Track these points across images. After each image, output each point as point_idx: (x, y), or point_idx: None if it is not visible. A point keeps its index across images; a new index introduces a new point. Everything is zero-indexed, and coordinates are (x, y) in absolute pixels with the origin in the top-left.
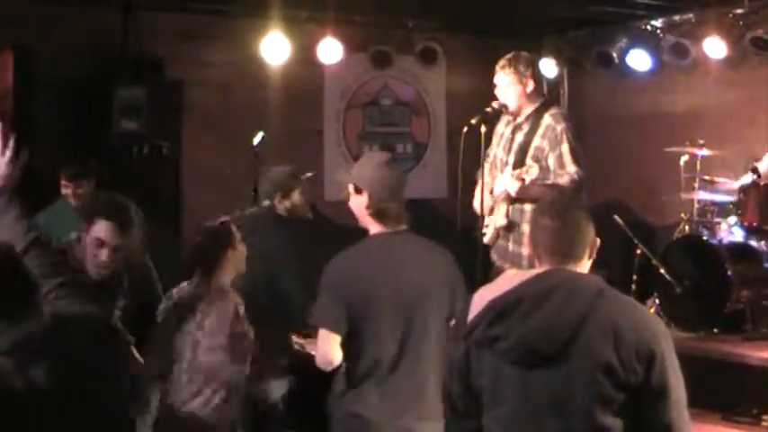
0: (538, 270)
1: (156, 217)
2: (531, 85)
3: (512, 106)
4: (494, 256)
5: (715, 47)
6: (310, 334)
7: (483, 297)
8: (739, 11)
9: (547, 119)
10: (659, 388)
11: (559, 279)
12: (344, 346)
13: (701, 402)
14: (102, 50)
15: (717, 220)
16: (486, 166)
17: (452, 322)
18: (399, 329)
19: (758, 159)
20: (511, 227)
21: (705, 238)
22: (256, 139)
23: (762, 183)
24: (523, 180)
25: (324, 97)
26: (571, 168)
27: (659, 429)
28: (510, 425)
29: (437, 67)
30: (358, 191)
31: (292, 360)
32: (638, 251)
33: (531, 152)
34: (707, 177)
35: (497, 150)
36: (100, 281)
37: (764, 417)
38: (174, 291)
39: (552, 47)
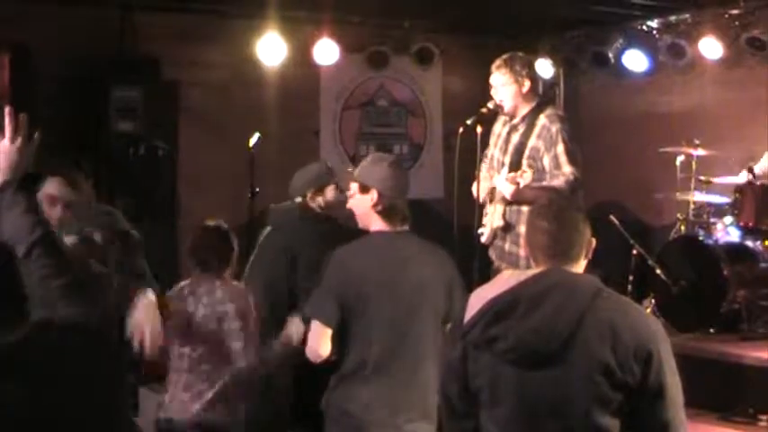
0: (535, 271)
1: (152, 217)
2: (526, 85)
3: (508, 106)
4: (492, 256)
5: (711, 47)
6: None
7: (480, 297)
8: (735, 11)
9: (542, 119)
10: (656, 388)
11: (556, 279)
12: (336, 341)
13: (698, 402)
14: (98, 51)
15: (713, 220)
16: (484, 166)
17: (449, 324)
18: (391, 329)
19: (754, 159)
20: (508, 228)
21: (701, 238)
22: (253, 140)
23: (758, 183)
24: (518, 184)
25: (320, 98)
26: (567, 169)
27: (656, 429)
28: (507, 425)
29: (433, 68)
30: (364, 190)
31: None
32: (635, 251)
33: (527, 152)
34: (703, 178)
35: (494, 151)
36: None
37: (761, 416)
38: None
39: (548, 47)
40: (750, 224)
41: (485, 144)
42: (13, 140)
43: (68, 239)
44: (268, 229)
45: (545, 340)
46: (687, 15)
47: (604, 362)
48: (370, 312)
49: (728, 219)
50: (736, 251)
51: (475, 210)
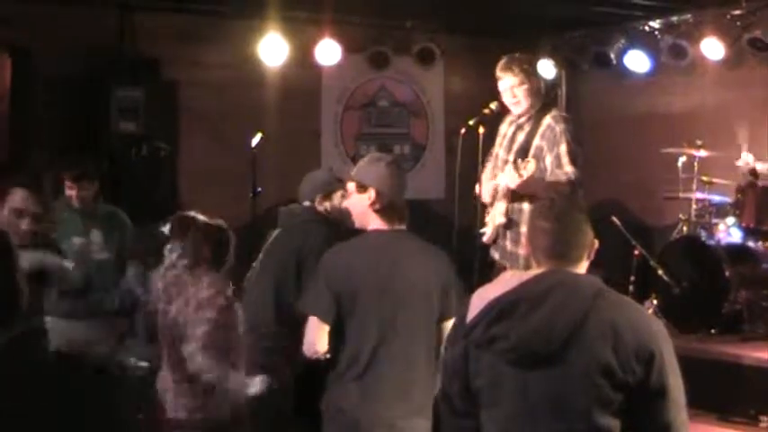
0: (536, 271)
1: (153, 217)
2: (536, 82)
3: (524, 105)
4: (494, 255)
5: (713, 48)
6: None
7: (482, 297)
8: (737, 12)
9: (548, 119)
10: (658, 388)
11: (558, 280)
12: (331, 338)
13: (699, 403)
14: (99, 51)
15: (715, 220)
16: (489, 165)
17: (445, 324)
18: (382, 327)
19: (756, 160)
20: (509, 226)
21: (703, 239)
22: (254, 141)
23: (759, 184)
24: (521, 176)
25: (322, 98)
26: (568, 169)
27: (658, 430)
28: (508, 425)
29: (435, 68)
30: (362, 188)
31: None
32: (636, 252)
33: (531, 152)
34: (705, 178)
35: (499, 150)
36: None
37: (761, 417)
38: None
39: (550, 48)
40: (752, 225)
41: (487, 145)
42: None
43: (33, 255)
44: (277, 230)
45: (546, 340)
46: (689, 16)
47: (605, 362)
48: (362, 309)
49: (730, 219)
50: (737, 252)
51: (476, 210)
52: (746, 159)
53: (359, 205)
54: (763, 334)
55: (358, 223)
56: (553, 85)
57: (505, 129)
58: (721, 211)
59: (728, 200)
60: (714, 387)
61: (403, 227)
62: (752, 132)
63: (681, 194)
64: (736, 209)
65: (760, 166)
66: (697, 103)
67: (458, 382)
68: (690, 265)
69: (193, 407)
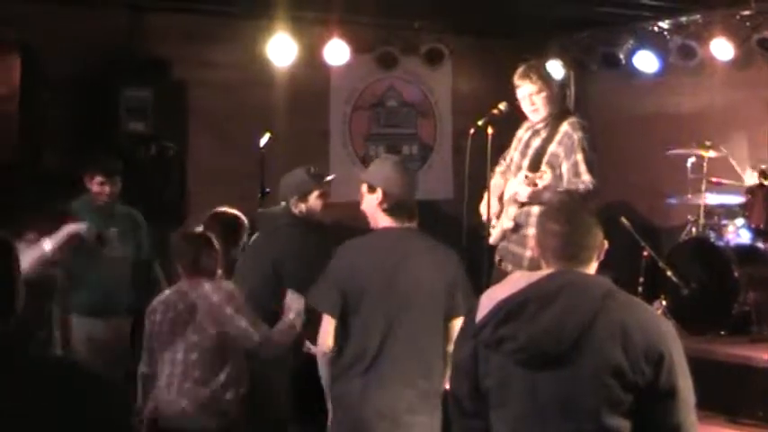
0: (546, 271)
1: (162, 217)
2: (555, 88)
3: (542, 113)
4: (497, 257)
5: (722, 48)
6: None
7: (491, 298)
8: (746, 12)
9: (565, 126)
10: (667, 389)
11: (567, 280)
12: (336, 334)
13: (707, 404)
14: (108, 51)
15: (724, 222)
16: (499, 169)
17: (452, 323)
18: (387, 324)
19: (765, 161)
20: (516, 229)
21: (712, 240)
22: (263, 141)
23: None
24: (536, 185)
25: (330, 98)
26: (585, 177)
27: (667, 431)
28: (517, 426)
29: (443, 68)
30: (371, 189)
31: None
32: (645, 253)
33: (546, 158)
34: (714, 179)
35: (514, 154)
36: None
37: None
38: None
39: (558, 48)
40: (761, 226)
41: (495, 145)
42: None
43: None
44: (256, 235)
45: (555, 341)
46: (698, 16)
47: (615, 363)
48: (367, 307)
49: (740, 221)
50: (746, 253)
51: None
52: (751, 176)
53: (369, 205)
54: None
55: (372, 223)
56: (561, 86)
57: (522, 133)
58: (730, 213)
59: (738, 201)
60: (723, 388)
61: (413, 225)
62: (761, 133)
63: (690, 195)
64: (746, 210)
65: None
66: (706, 104)
67: (467, 383)
68: (699, 267)
69: (192, 410)
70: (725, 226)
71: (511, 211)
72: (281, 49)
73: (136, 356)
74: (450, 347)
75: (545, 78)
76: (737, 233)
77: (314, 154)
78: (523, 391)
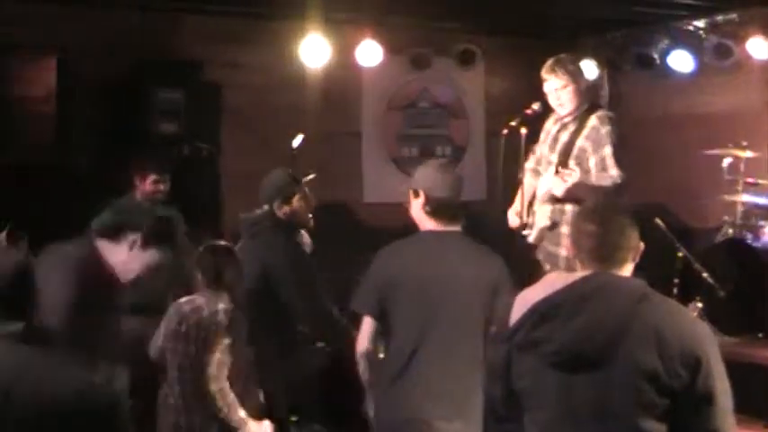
0: (581, 273)
1: (196, 218)
2: (582, 84)
3: (569, 108)
4: (539, 257)
5: (758, 47)
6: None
7: (525, 299)
8: None
9: (593, 120)
10: (704, 394)
11: (602, 282)
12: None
13: (745, 409)
14: (140, 53)
15: (761, 223)
16: (529, 165)
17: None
18: (422, 328)
19: None
20: (552, 227)
21: (748, 241)
22: (296, 142)
23: None
24: (566, 181)
25: (363, 99)
26: (613, 172)
27: None
28: (550, 428)
29: (475, 69)
30: (416, 194)
31: (322, 363)
32: (680, 254)
33: (574, 152)
34: (750, 180)
35: (543, 147)
36: None
37: None
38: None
39: (591, 48)
40: None
41: (529, 146)
42: None
43: None
44: (240, 243)
45: (589, 343)
46: (734, 15)
47: (650, 366)
48: (403, 310)
49: None
50: None
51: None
52: None
53: (415, 210)
54: None
55: (420, 227)
56: (595, 86)
57: (550, 126)
58: (767, 214)
59: None
60: (760, 393)
61: (456, 228)
62: None
63: (725, 196)
64: None
65: None
66: (741, 104)
67: (500, 386)
68: (735, 268)
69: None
70: (762, 227)
71: (546, 209)
72: (313, 50)
73: None
74: None
75: (571, 73)
76: None
77: (346, 155)
78: (557, 393)
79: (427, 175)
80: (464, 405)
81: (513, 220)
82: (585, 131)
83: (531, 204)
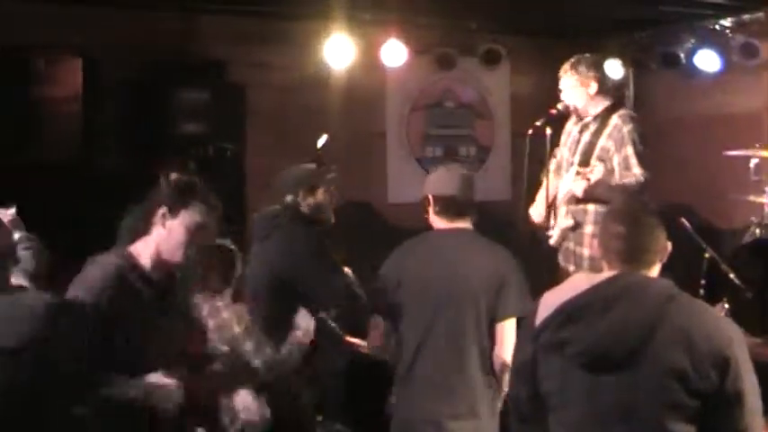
0: (607, 274)
1: (221, 218)
2: (593, 87)
3: (580, 106)
4: (560, 258)
5: None
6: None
7: (551, 300)
8: None
9: (615, 119)
10: (733, 395)
11: (629, 283)
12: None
13: None
14: (164, 54)
15: None
16: (552, 166)
17: (501, 324)
18: (425, 326)
19: None
20: (575, 227)
21: None
22: (320, 142)
23: None
24: (588, 180)
25: (387, 100)
26: (636, 171)
27: None
28: (577, 429)
29: (500, 69)
30: (426, 201)
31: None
32: (707, 255)
33: (596, 152)
34: None
35: (564, 149)
36: None
37: None
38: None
39: (617, 48)
40: None
41: (554, 146)
42: None
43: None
44: (253, 247)
45: (617, 344)
46: (761, 14)
47: (679, 367)
48: (408, 308)
49: None
50: None
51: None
52: None
53: (429, 215)
54: None
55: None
56: (620, 86)
57: (570, 127)
58: None
59: None
60: None
61: (465, 225)
62: None
63: (752, 197)
64: None
65: None
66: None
67: (526, 387)
68: (762, 269)
69: None
70: None
71: (567, 209)
72: (337, 50)
73: None
74: (499, 350)
75: (583, 74)
76: None
77: (371, 155)
78: (584, 394)
79: (432, 178)
80: (473, 404)
81: (535, 216)
82: (607, 130)
83: (552, 206)
